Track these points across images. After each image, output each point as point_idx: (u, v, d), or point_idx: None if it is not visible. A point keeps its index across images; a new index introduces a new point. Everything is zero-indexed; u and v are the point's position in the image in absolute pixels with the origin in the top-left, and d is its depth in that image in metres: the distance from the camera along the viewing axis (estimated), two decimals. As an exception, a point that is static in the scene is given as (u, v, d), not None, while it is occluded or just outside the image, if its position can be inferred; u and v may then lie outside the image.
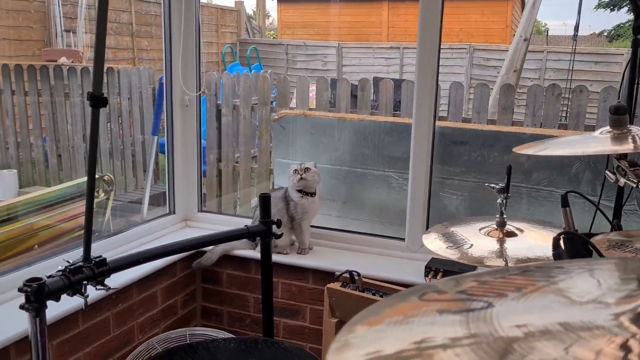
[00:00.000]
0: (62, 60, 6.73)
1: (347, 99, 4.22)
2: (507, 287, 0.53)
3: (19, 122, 5.82)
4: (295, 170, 2.45)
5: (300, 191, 2.45)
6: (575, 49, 6.57)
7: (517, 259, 1.42)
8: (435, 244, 1.57)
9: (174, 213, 2.84)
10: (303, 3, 13.17)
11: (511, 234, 1.56)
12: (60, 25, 7.58)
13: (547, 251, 1.44)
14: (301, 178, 2.42)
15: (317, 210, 2.53)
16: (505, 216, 1.59)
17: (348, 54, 10.86)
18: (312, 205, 2.48)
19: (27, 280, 1.43)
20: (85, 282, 1.57)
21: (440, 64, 2.36)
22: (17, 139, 5.86)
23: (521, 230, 1.58)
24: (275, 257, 2.27)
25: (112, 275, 1.63)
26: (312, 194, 2.47)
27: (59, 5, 7.53)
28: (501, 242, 1.54)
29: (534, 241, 1.54)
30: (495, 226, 1.59)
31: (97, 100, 1.55)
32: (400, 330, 0.42)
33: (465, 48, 9.89)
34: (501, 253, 1.48)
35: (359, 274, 2.14)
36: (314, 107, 4.44)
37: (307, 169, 2.43)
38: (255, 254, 2.46)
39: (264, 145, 4.70)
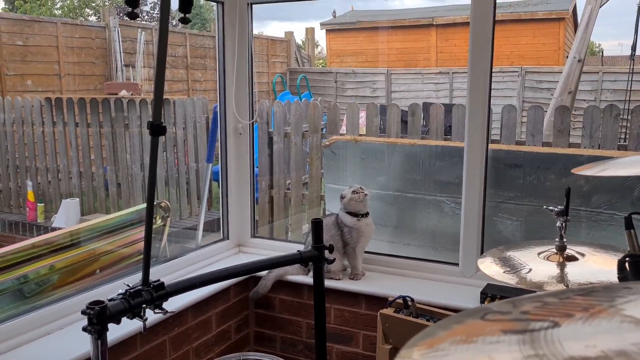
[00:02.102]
0: (122, 93, 7.05)
1: (397, 125, 4.22)
2: (572, 308, 0.52)
3: (81, 153, 6.10)
4: (354, 191, 2.47)
5: (352, 214, 2.46)
6: (632, 68, 6.36)
7: (579, 283, 1.37)
8: (491, 268, 1.53)
9: (228, 239, 2.89)
10: (351, 32, 13.34)
11: (572, 258, 1.51)
12: (121, 60, 7.95)
13: (610, 276, 1.38)
14: (365, 195, 2.46)
15: (371, 232, 2.53)
16: (565, 240, 1.53)
17: (397, 80, 10.89)
18: (367, 228, 2.49)
19: (90, 303, 1.48)
20: (144, 305, 1.61)
21: (491, 87, 2.34)
22: (79, 168, 6.14)
23: (582, 255, 1.53)
24: (328, 283, 2.27)
25: (169, 300, 1.67)
26: (366, 215, 2.48)
27: (119, 42, 7.93)
28: (561, 266, 1.49)
29: (597, 265, 1.48)
30: (554, 250, 1.54)
31: (157, 129, 1.61)
32: (464, 350, 0.41)
33: (517, 71, 9.74)
34: (562, 278, 1.43)
35: (412, 300, 2.11)
36: (364, 133, 4.46)
37: (356, 191, 2.47)
38: (308, 279, 2.46)
39: (314, 172, 4.74)
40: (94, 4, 15.92)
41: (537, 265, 1.50)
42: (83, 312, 1.47)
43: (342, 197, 2.52)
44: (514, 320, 0.49)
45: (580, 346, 0.42)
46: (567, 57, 7.39)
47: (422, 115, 4.30)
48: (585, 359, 0.39)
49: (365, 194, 2.47)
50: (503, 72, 9.49)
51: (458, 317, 0.49)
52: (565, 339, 0.43)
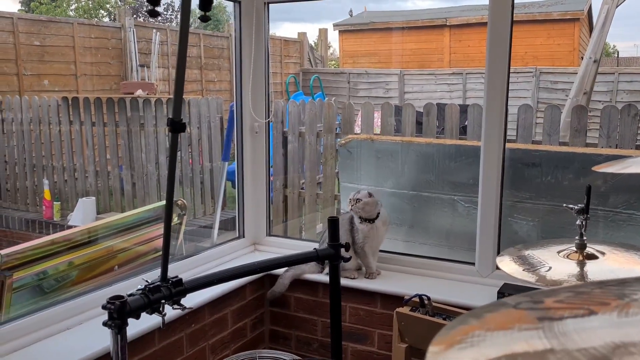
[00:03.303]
0: (138, 93, 7.11)
1: (412, 125, 4.21)
2: (607, 298, 0.52)
3: (97, 152, 6.16)
4: (350, 199, 2.48)
5: (360, 217, 2.47)
6: (649, 68, 6.29)
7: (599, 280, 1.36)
8: (510, 266, 1.53)
9: (243, 237, 2.90)
10: (364, 32, 13.34)
11: (592, 257, 1.50)
12: (136, 61, 8.02)
13: (632, 274, 1.37)
14: (351, 208, 2.46)
15: (378, 236, 2.50)
16: (585, 238, 1.53)
17: (410, 80, 10.86)
18: (371, 232, 2.47)
19: (110, 298, 1.49)
20: (163, 300, 1.63)
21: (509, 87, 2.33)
22: (95, 167, 6.20)
23: (602, 253, 1.52)
24: (343, 281, 2.27)
25: (187, 296, 1.68)
26: (371, 220, 2.47)
27: (134, 42, 7.99)
28: (581, 265, 1.48)
29: (617, 264, 1.47)
30: (574, 248, 1.53)
31: (177, 126, 1.63)
32: (501, 336, 0.42)
33: (532, 72, 9.68)
34: (582, 276, 1.42)
35: (429, 298, 2.10)
36: (378, 132, 4.46)
37: (358, 200, 2.45)
38: (324, 277, 2.47)
39: (328, 171, 4.75)
40: (108, 5, 16.06)
41: (556, 263, 1.50)
42: (104, 307, 1.49)
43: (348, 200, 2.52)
44: (545, 309, 0.49)
45: (618, 334, 0.42)
46: (582, 57, 7.33)
47: (436, 115, 4.28)
48: (626, 344, 0.40)
49: (358, 200, 2.43)
50: (517, 72, 9.44)
51: (490, 306, 0.49)
52: (603, 327, 0.43)
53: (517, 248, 1.70)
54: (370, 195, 2.47)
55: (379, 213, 2.49)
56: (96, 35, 7.92)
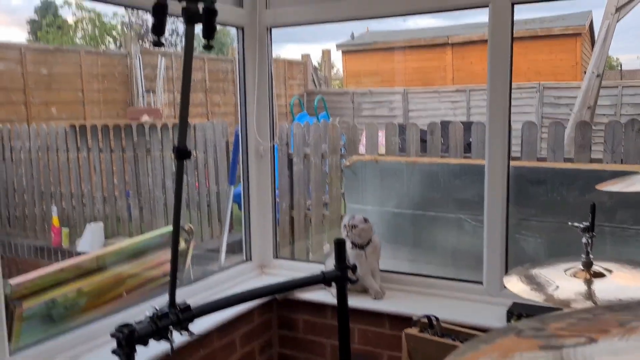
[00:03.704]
0: (144, 119, 7.18)
1: (417, 143, 4.23)
2: (607, 325, 0.52)
3: (105, 178, 6.21)
4: (344, 225, 2.48)
5: (352, 242, 2.46)
6: (653, 81, 6.30)
7: (607, 300, 1.36)
8: (518, 286, 1.52)
9: (251, 260, 2.91)
10: (367, 52, 13.44)
11: (599, 275, 1.50)
12: (142, 86, 8.12)
13: (639, 293, 1.37)
14: (347, 235, 2.45)
15: (367, 263, 2.48)
16: (591, 256, 1.52)
17: (414, 99, 10.91)
18: (359, 259, 2.44)
19: (119, 326, 1.50)
20: (171, 327, 1.63)
21: (511, 104, 2.34)
22: (103, 193, 6.24)
23: (610, 271, 1.51)
24: (351, 303, 2.26)
25: (195, 321, 1.68)
26: (360, 247, 2.47)
27: (140, 68, 8.09)
28: (589, 283, 1.48)
29: (625, 282, 1.46)
30: (581, 267, 1.53)
31: (182, 153, 1.65)
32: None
33: (535, 87, 9.71)
34: (590, 295, 1.41)
35: (437, 319, 2.09)
36: (383, 152, 4.47)
37: (353, 227, 2.45)
38: (332, 299, 2.46)
39: (334, 192, 4.76)
40: (114, 32, 16.30)
41: (563, 282, 1.49)
42: (112, 335, 1.50)
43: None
44: (548, 336, 0.49)
45: (616, 360, 0.43)
46: (585, 72, 7.35)
47: (440, 133, 4.30)
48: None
49: (354, 226, 2.44)
50: (521, 88, 9.46)
51: (494, 333, 0.49)
52: (601, 355, 0.43)
53: (525, 267, 1.70)
54: (365, 220, 2.48)
55: (370, 240, 2.49)
56: (103, 62, 8.04)
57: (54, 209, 6.33)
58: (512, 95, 2.34)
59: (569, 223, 1.56)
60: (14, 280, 2.06)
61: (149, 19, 2.23)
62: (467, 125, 4.43)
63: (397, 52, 13.25)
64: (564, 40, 11.72)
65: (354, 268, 2.08)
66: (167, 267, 2.25)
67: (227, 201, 4.57)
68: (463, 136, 4.13)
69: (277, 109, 10.82)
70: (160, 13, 1.59)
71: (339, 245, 2.08)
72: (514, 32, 2.32)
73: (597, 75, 6.25)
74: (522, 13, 12.08)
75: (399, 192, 3.18)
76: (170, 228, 2.64)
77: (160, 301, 1.95)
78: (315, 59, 14.87)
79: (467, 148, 4.34)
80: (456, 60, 12.56)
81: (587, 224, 1.52)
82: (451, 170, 3.14)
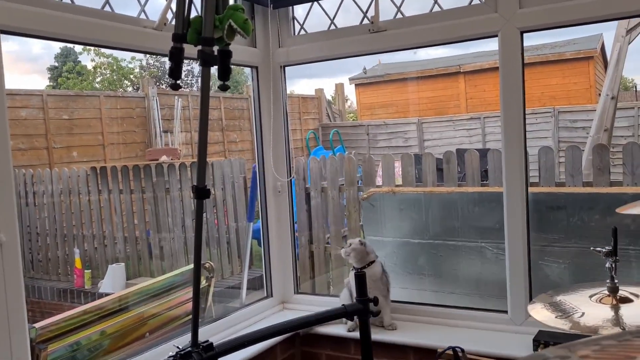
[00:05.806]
0: (162, 159, 7.29)
1: (433, 173, 4.23)
2: (634, 351, 0.52)
3: (125, 218, 6.28)
4: (344, 250, 2.56)
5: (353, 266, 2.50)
6: (669, 101, 6.25)
7: (636, 326, 1.33)
8: (542, 314, 1.51)
9: (272, 296, 2.90)
10: (380, 84, 13.57)
11: (626, 300, 1.47)
12: (160, 127, 8.27)
13: (668, 316, 1.34)
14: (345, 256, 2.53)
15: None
16: (616, 281, 1.50)
17: (428, 128, 10.95)
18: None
19: (144, 367, 1.51)
20: (195, 366, 1.63)
21: (526, 130, 2.35)
22: (124, 233, 6.30)
23: (637, 296, 1.49)
24: (374, 336, 2.24)
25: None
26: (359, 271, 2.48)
27: (157, 110, 8.26)
28: (615, 308, 1.45)
29: (653, 306, 1.43)
30: (607, 292, 1.51)
31: (201, 192, 1.68)
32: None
33: (550, 112, 9.69)
34: (617, 321, 1.39)
35: (462, 351, 2.06)
36: (400, 183, 4.48)
37: (349, 245, 2.53)
38: (354, 333, 2.44)
39: (353, 225, 4.75)
40: (131, 75, 16.70)
41: (589, 308, 1.47)
42: (137, 376, 1.51)
43: None
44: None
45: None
46: (599, 94, 7.33)
47: (456, 162, 4.30)
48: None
49: (351, 247, 2.50)
50: (536, 113, 9.45)
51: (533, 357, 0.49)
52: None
53: (549, 294, 1.68)
54: (361, 243, 2.51)
55: (368, 264, 2.49)
56: (121, 105, 8.22)
57: (77, 251, 6.40)
58: (527, 121, 2.35)
59: (591, 248, 1.55)
60: (39, 324, 2.08)
61: (165, 60, 2.30)
62: (483, 153, 4.43)
63: (409, 83, 13.36)
64: (576, 64, 11.73)
65: (375, 301, 2.06)
66: (189, 306, 2.26)
67: (247, 237, 4.59)
68: (479, 164, 4.12)
69: (292, 144, 10.95)
70: (177, 57, 1.65)
71: (359, 278, 2.08)
72: (525, 58, 2.34)
73: (612, 98, 6.22)
74: (532, 39, 12.16)
75: (417, 222, 3.17)
76: (190, 266, 2.66)
77: (183, 340, 1.96)
78: (329, 93, 15.05)
79: (484, 175, 4.33)
80: (469, 88, 12.62)
81: (610, 248, 1.51)
82: (470, 198, 3.12)
